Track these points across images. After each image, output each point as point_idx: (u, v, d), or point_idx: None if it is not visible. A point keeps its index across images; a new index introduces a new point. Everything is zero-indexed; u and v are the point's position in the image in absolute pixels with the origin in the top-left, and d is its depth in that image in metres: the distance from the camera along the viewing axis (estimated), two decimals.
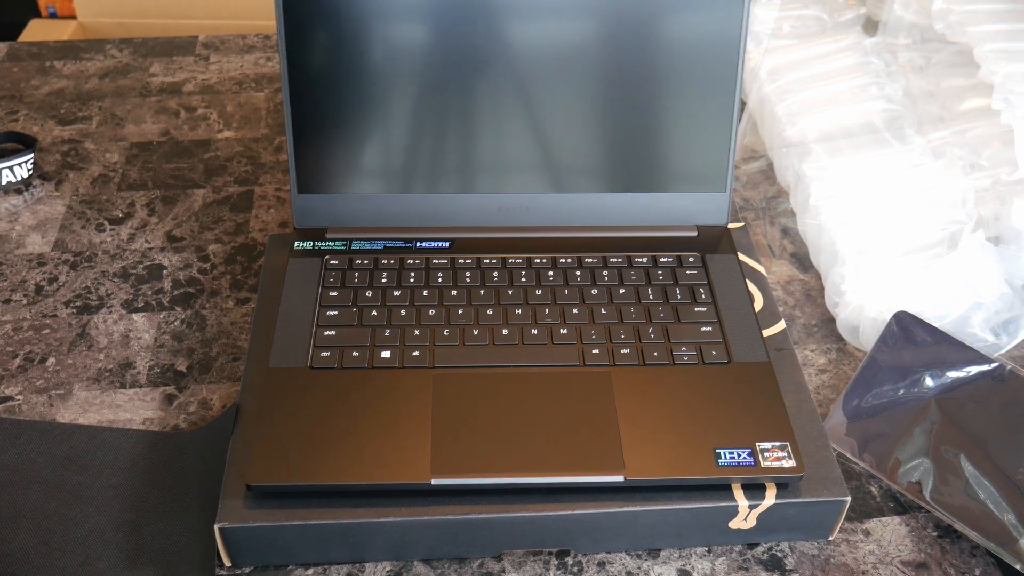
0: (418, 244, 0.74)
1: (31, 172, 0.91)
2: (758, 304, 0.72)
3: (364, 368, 0.64)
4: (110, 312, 0.77)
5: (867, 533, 0.63)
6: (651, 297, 0.70)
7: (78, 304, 0.78)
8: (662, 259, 0.73)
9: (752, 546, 0.62)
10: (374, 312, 0.68)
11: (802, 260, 0.83)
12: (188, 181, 0.91)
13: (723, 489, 0.59)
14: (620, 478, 0.58)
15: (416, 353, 0.65)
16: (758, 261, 0.76)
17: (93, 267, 0.81)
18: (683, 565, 0.61)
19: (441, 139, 0.73)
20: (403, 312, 0.68)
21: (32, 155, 0.90)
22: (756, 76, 0.93)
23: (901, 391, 0.66)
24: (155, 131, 0.98)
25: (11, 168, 0.89)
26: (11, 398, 0.70)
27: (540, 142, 0.73)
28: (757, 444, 0.59)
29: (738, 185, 0.91)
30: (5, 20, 1.78)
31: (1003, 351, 0.72)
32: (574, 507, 0.58)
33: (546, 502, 0.58)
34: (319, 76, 0.70)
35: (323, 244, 0.73)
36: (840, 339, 0.76)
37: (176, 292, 0.79)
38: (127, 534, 0.60)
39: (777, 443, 0.60)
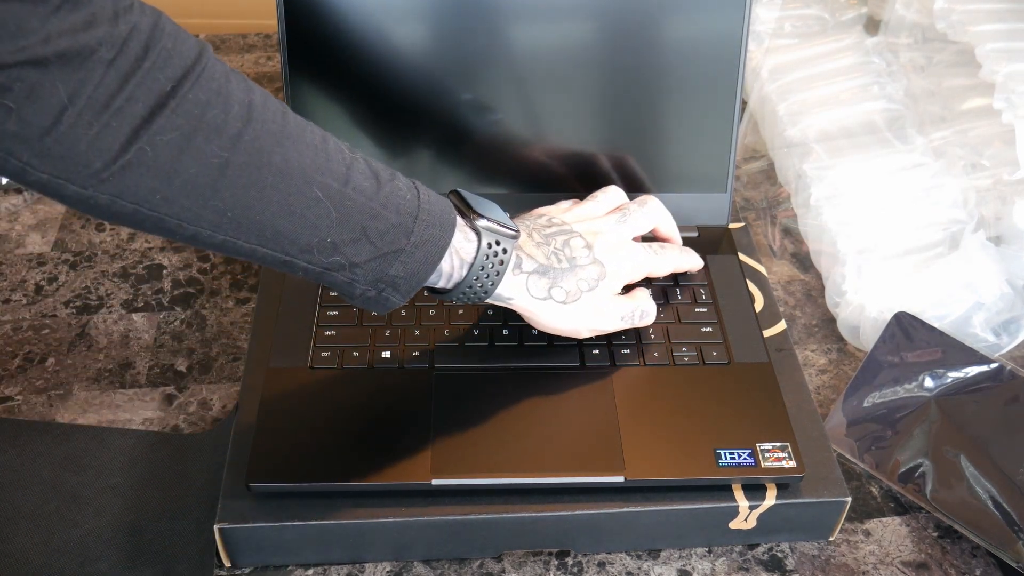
0: None
1: None
2: (758, 304, 0.72)
3: (364, 368, 0.64)
4: (110, 312, 0.77)
5: (867, 533, 0.63)
6: None
7: (78, 304, 0.78)
8: None
9: (752, 546, 0.62)
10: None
11: (803, 260, 0.83)
12: None
13: (723, 490, 0.59)
14: (620, 478, 0.58)
15: (416, 353, 0.65)
16: (759, 261, 0.76)
17: (93, 267, 0.81)
18: (683, 565, 0.61)
19: (441, 139, 0.73)
20: (403, 312, 0.68)
21: None
22: (757, 76, 0.92)
23: (901, 392, 0.66)
24: None
25: None
26: (11, 398, 0.70)
27: (541, 143, 0.73)
28: (757, 444, 0.59)
29: (739, 185, 0.91)
30: None
31: (1004, 351, 0.72)
32: (574, 507, 0.58)
33: (546, 502, 0.58)
34: (320, 75, 0.70)
35: None
36: (841, 339, 0.76)
37: (176, 292, 0.79)
38: (127, 534, 0.60)
39: (777, 443, 0.60)
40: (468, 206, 0.58)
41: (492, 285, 0.57)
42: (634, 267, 0.65)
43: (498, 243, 0.57)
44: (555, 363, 0.65)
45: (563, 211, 0.65)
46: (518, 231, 0.59)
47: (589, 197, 0.67)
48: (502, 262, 0.57)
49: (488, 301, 0.59)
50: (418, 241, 0.53)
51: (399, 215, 0.53)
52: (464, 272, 0.56)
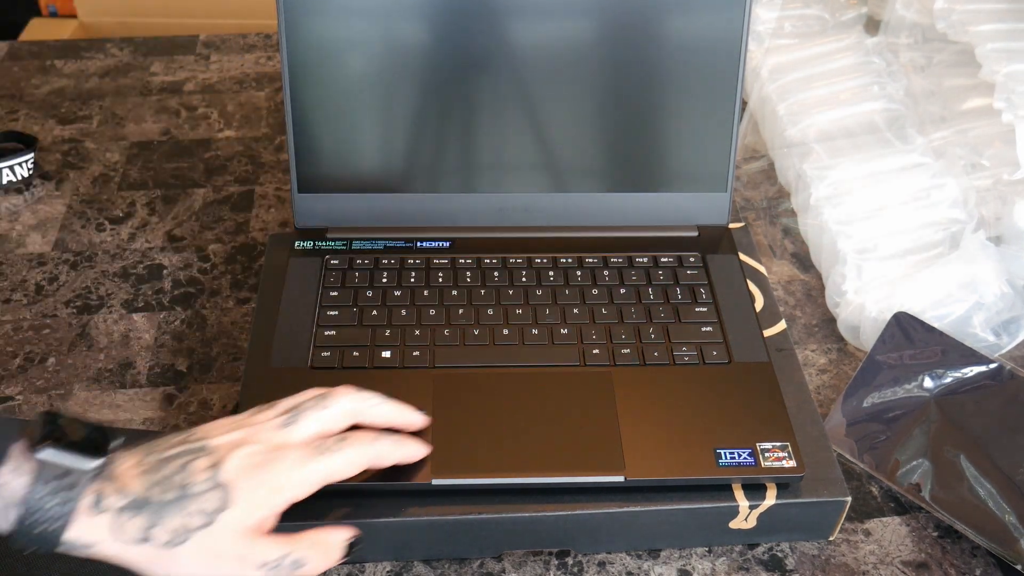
0: (418, 244, 0.74)
1: (31, 172, 0.91)
2: (759, 304, 0.72)
3: (365, 368, 0.64)
4: (110, 312, 0.77)
5: (867, 533, 0.63)
6: (651, 297, 0.70)
7: (78, 304, 0.78)
8: (663, 259, 0.73)
9: (752, 546, 0.62)
10: (374, 312, 0.68)
11: (803, 260, 0.83)
12: (188, 180, 0.91)
13: (723, 489, 0.59)
14: (620, 478, 0.58)
15: (416, 353, 0.65)
16: (759, 261, 0.76)
17: (93, 267, 0.81)
18: (683, 565, 0.61)
19: (442, 139, 0.73)
20: (403, 312, 0.68)
21: (32, 154, 0.90)
22: (757, 75, 0.92)
23: (900, 392, 0.66)
24: (156, 130, 0.98)
25: (11, 168, 0.89)
26: (11, 398, 0.70)
27: (541, 142, 0.73)
28: (757, 444, 0.59)
29: (739, 185, 0.91)
30: (6, 19, 1.78)
31: (1004, 351, 0.72)
32: (574, 507, 0.58)
33: (546, 502, 0.58)
34: (320, 75, 0.70)
35: (324, 244, 0.73)
36: (841, 339, 0.76)
37: (176, 292, 0.79)
38: None
39: (777, 443, 0.60)
40: (40, 430, 0.47)
41: (58, 529, 0.46)
42: (287, 484, 0.50)
43: (64, 475, 0.46)
44: (555, 363, 0.65)
45: (229, 424, 0.53)
46: (104, 462, 0.48)
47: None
48: (68, 501, 0.46)
49: (63, 551, 0.47)
50: None
51: None
52: (13, 515, 0.46)
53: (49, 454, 0.46)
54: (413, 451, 0.56)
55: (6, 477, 0.46)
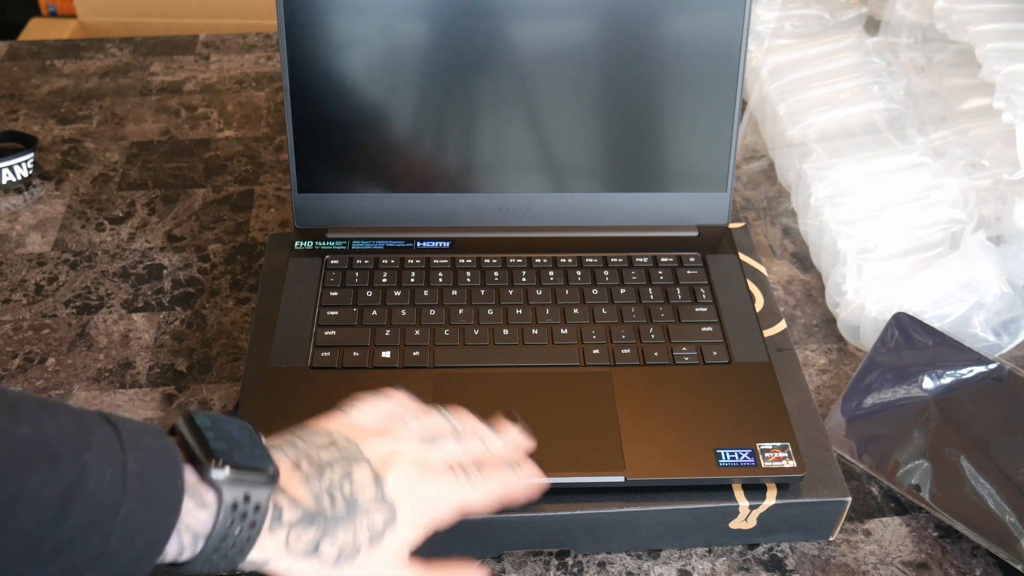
0: (418, 244, 0.74)
1: (31, 171, 0.90)
2: (759, 304, 0.72)
3: (364, 368, 0.64)
4: (110, 312, 0.77)
5: (868, 533, 0.63)
6: (652, 297, 0.70)
7: (78, 304, 0.78)
8: (663, 259, 0.73)
9: (753, 546, 0.62)
10: (374, 312, 0.68)
11: (803, 260, 0.83)
12: (188, 180, 0.91)
13: (724, 489, 0.59)
14: (620, 478, 0.58)
15: (416, 353, 0.65)
16: (759, 261, 0.76)
17: (93, 267, 0.81)
18: (683, 565, 0.61)
19: (442, 139, 0.73)
20: (403, 312, 0.68)
21: (32, 154, 0.90)
22: (757, 75, 0.92)
23: (900, 392, 0.66)
24: (155, 130, 0.98)
25: (11, 167, 0.89)
26: None
27: (541, 142, 0.73)
28: (758, 444, 0.59)
29: (739, 185, 0.91)
30: (5, 19, 1.78)
31: (1004, 351, 0.72)
32: (574, 507, 0.58)
33: (546, 502, 0.58)
34: (320, 75, 0.70)
35: (323, 244, 0.73)
36: (841, 339, 0.76)
37: (176, 292, 0.79)
38: None
39: (778, 443, 0.60)
40: (204, 446, 0.43)
41: (241, 553, 0.43)
42: (443, 508, 0.50)
43: (247, 499, 0.43)
44: (556, 363, 0.65)
45: (372, 424, 0.52)
46: (276, 470, 0.45)
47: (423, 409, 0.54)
48: (254, 524, 0.43)
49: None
50: (123, 539, 0.39)
51: (87, 511, 0.38)
52: (199, 546, 0.42)
53: (229, 475, 0.42)
54: (527, 489, 0.54)
55: (193, 514, 0.42)
